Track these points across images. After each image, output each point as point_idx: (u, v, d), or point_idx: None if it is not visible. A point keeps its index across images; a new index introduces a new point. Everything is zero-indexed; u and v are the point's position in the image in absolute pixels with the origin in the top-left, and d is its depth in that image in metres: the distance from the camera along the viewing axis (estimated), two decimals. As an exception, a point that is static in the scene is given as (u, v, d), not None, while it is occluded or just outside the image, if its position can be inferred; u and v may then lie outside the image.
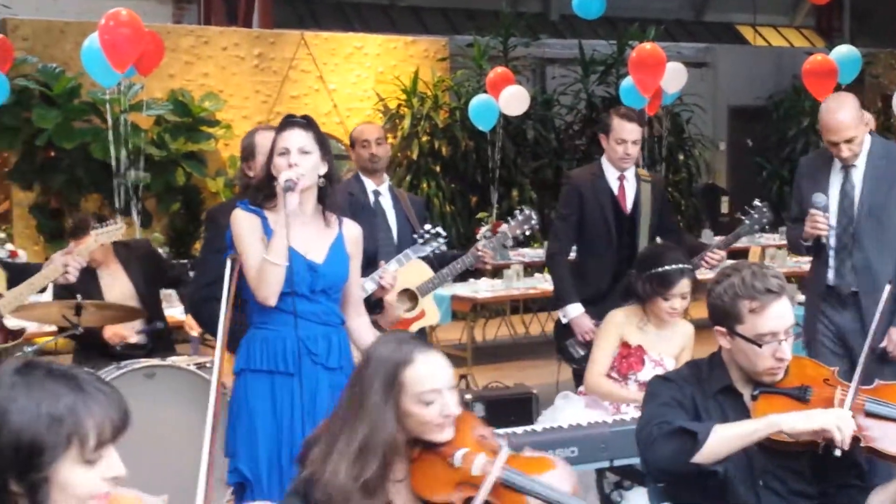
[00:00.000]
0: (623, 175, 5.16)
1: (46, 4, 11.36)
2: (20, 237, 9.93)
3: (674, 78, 9.68)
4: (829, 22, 17.48)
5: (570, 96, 13.15)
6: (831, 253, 4.68)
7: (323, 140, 3.58)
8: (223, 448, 3.69)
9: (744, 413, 2.84)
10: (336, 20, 13.96)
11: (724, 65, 15.44)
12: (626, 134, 5.02)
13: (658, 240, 5.26)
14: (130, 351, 5.37)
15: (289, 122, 3.57)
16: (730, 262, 3.59)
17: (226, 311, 2.13)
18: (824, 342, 4.69)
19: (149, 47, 7.42)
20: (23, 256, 8.37)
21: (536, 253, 9.80)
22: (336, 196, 3.68)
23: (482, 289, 8.45)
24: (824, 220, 4.56)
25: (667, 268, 4.17)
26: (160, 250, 8.36)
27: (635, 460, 3.51)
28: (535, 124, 12.64)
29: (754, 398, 2.84)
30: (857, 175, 4.65)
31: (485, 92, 10.87)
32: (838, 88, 9.70)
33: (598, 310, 4.96)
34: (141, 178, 9.09)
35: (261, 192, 3.58)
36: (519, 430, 3.89)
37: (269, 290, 3.44)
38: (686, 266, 4.22)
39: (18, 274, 4.14)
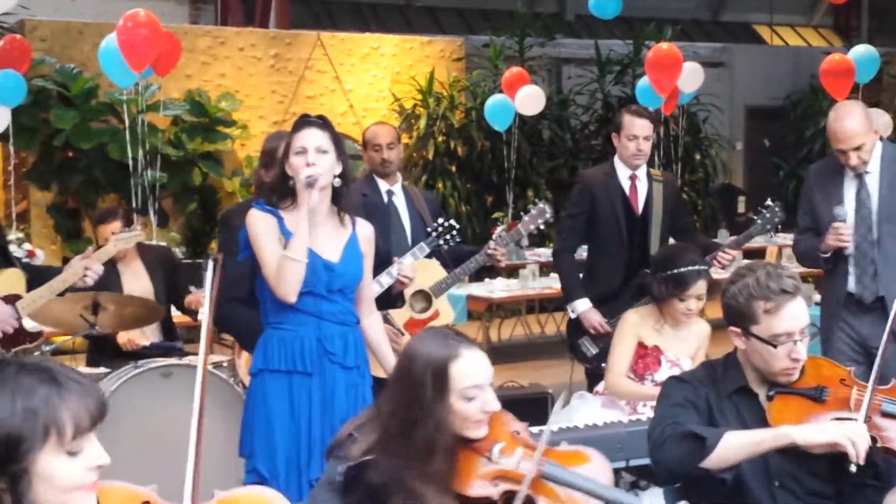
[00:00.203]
0: (635, 175, 5.17)
1: (64, 5, 11.42)
2: (38, 237, 9.98)
3: (690, 78, 9.65)
4: (847, 21, 17.40)
5: (585, 96, 13.13)
6: (851, 262, 4.63)
7: (338, 140, 3.60)
8: (238, 448, 3.71)
9: (759, 414, 2.83)
10: (352, 20, 13.98)
11: (741, 65, 15.38)
12: (638, 130, 5.05)
13: (671, 240, 5.26)
14: (147, 350, 5.41)
15: (305, 121, 3.58)
16: (746, 261, 3.58)
17: (208, 312, 2.14)
18: (843, 349, 4.65)
19: (166, 48, 7.44)
20: (40, 256, 8.41)
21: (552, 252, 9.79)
22: (351, 196, 3.69)
23: (498, 289, 8.45)
24: (849, 232, 4.52)
25: (683, 269, 4.16)
26: (176, 250, 8.42)
27: (651, 460, 3.50)
28: (551, 124, 12.63)
29: (770, 399, 2.84)
30: (873, 182, 4.61)
31: (500, 92, 10.86)
32: (856, 88, 9.65)
33: (609, 309, 5.01)
34: (158, 178, 9.12)
35: (275, 192, 3.59)
36: (534, 429, 3.88)
37: (289, 287, 3.45)
38: (702, 267, 4.21)
39: (38, 276, 4.17)
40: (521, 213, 5.00)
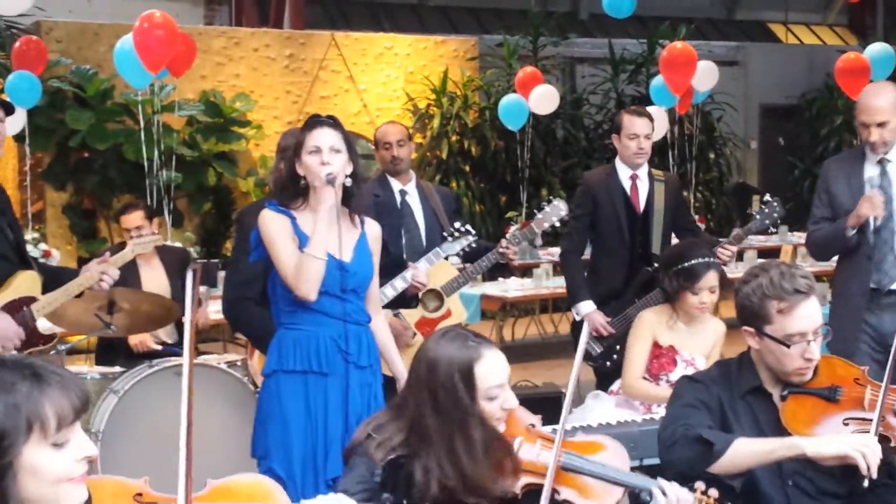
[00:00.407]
0: (636, 175, 5.22)
1: (80, 7, 11.48)
2: (53, 237, 10.03)
3: (705, 77, 9.64)
4: (863, 19, 17.33)
5: (599, 95, 13.12)
6: (870, 250, 4.60)
7: (349, 140, 3.60)
8: (251, 449, 3.71)
9: (773, 414, 2.82)
10: (366, 21, 14.00)
11: (756, 63, 15.33)
12: (638, 129, 5.12)
13: (675, 239, 5.29)
14: (157, 353, 5.44)
15: (318, 121, 3.58)
16: (760, 261, 3.57)
17: (190, 318, 2.16)
18: (865, 349, 4.62)
19: (181, 49, 7.48)
20: (56, 256, 8.45)
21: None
22: (361, 196, 3.69)
23: (511, 288, 8.45)
24: (882, 200, 4.47)
25: (693, 262, 4.17)
26: (191, 250, 8.46)
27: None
28: (565, 124, 12.62)
29: (784, 399, 2.83)
30: (894, 170, 4.59)
31: (514, 91, 10.87)
32: (871, 87, 9.62)
33: (612, 308, 5.06)
34: (173, 178, 9.16)
35: (286, 191, 3.60)
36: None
37: (309, 285, 3.45)
38: (712, 260, 4.22)
39: (53, 277, 4.18)
40: (535, 211, 4.99)
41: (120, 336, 5.23)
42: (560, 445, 2.50)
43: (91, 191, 10.08)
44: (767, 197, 5.20)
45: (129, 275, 5.46)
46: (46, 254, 8.24)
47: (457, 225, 4.73)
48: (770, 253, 9.80)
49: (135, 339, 5.47)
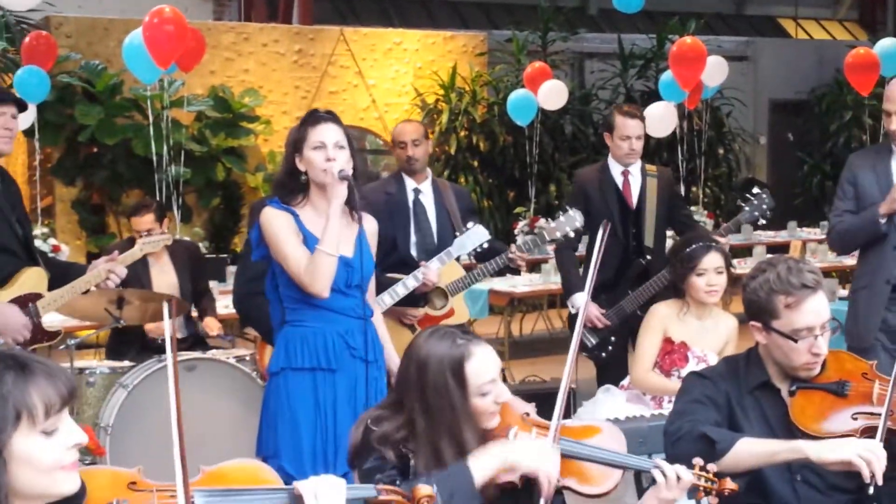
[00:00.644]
0: (627, 170, 5.29)
1: (89, 2, 11.52)
2: (63, 232, 10.06)
3: (714, 72, 9.60)
4: (873, 14, 17.28)
5: (608, 91, 13.10)
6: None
7: (349, 136, 3.60)
8: (256, 448, 3.69)
9: (781, 409, 2.82)
10: (375, 16, 14.01)
11: (765, 58, 15.30)
12: (630, 130, 5.18)
13: (670, 232, 5.38)
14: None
15: (320, 116, 3.57)
16: (768, 256, 3.57)
17: (169, 351, 2.18)
18: (878, 342, 4.60)
19: (190, 44, 7.48)
20: (65, 251, 8.47)
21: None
22: (359, 192, 3.67)
23: (519, 283, 8.45)
24: None
25: (693, 246, 4.22)
26: (200, 245, 8.47)
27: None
28: (574, 119, 12.61)
29: (792, 394, 2.83)
30: None
31: (523, 87, 10.85)
32: (882, 82, 9.58)
33: (607, 299, 5.14)
34: (181, 173, 9.17)
35: (284, 188, 3.58)
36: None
37: (323, 282, 3.44)
38: (712, 242, 4.23)
39: (61, 274, 4.20)
40: (549, 220, 4.98)
41: (133, 326, 5.25)
42: (555, 434, 2.51)
43: (100, 186, 10.11)
44: (756, 189, 5.23)
45: (139, 271, 5.50)
46: (55, 249, 8.25)
47: (469, 224, 4.73)
48: (779, 248, 9.79)
49: (151, 325, 5.49)
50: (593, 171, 5.45)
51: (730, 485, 2.52)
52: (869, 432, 2.72)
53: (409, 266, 4.71)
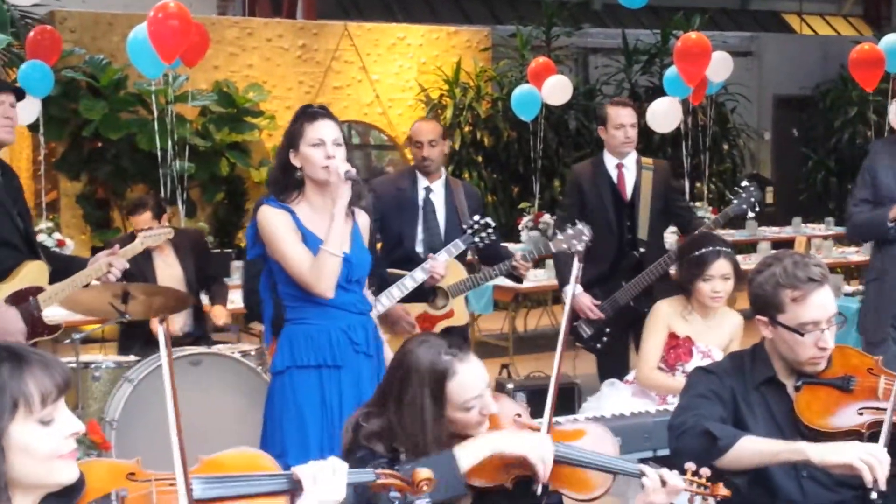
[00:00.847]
0: (622, 163, 5.33)
1: (94, -3, 11.52)
2: (67, 226, 10.08)
3: (719, 67, 9.60)
4: (878, 10, 17.24)
5: (612, 86, 13.09)
6: None
7: (343, 132, 3.60)
8: (261, 448, 3.68)
9: (787, 405, 2.82)
10: (379, 11, 14.00)
11: (770, 54, 15.28)
12: (623, 118, 5.24)
13: (673, 228, 5.37)
14: (176, 339, 5.48)
15: (316, 112, 3.54)
16: (773, 251, 3.57)
17: (167, 371, 2.19)
18: (894, 340, 4.59)
19: (194, 39, 7.48)
20: (70, 245, 8.49)
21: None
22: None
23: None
24: None
25: (703, 250, 4.19)
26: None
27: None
28: (578, 114, 12.60)
29: (797, 389, 2.83)
30: None
31: (527, 82, 10.84)
32: (886, 78, 9.57)
33: (601, 290, 5.18)
34: (186, 168, 9.18)
35: (277, 185, 3.54)
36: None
37: (328, 282, 3.43)
38: (722, 248, 4.22)
39: (62, 267, 4.20)
40: (557, 231, 4.95)
41: (138, 321, 5.26)
42: (550, 423, 2.53)
43: (104, 180, 10.13)
44: (745, 182, 5.29)
45: (144, 265, 5.51)
46: (60, 243, 8.27)
47: (476, 217, 4.74)
48: (783, 244, 9.78)
49: (156, 321, 5.50)
50: (588, 165, 5.52)
51: (722, 490, 2.51)
52: (874, 427, 2.72)
53: (413, 262, 4.72)
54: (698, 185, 12.00)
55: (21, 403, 1.85)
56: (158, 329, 2.18)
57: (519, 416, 2.65)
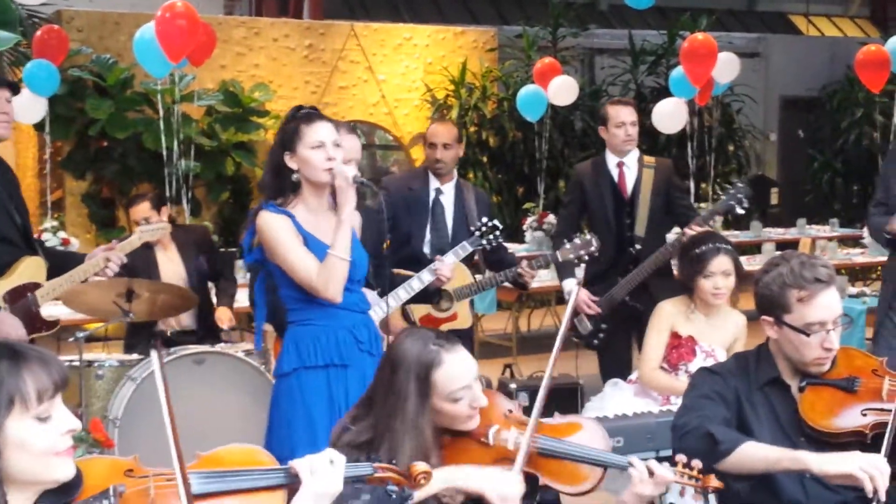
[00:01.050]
0: (622, 162, 5.38)
1: (100, -4, 11.53)
2: (73, 225, 10.09)
3: (725, 68, 9.57)
4: (885, 11, 17.21)
5: (619, 87, 13.08)
6: None
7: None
8: (267, 447, 3.67)
9: (791, 405, 2.82)
10: (385, 11, 14.00)
11: (776, 55, 15.26)
12: (624, 117, 5.31)
13: (677, 227, 5.47)
14: (181, 337, 5.48)
15: (313, 114, 3.52)
16: (778, 252, 3.56)
17: (164, 401, 2.19)
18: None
19: (201, 38, 7.48)
20: (75, 244, 8.50)
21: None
22: (359, 189, 3.64)
23: (529, 279, 8.43)
24: None
25: (703, 248, 4.21)
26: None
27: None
28: (584, 115, 12.59)
29: (801, 390, 2.83)
30: None
31: (533, 82, 10.84)
32: (893, 79, 9.54)
33: (600, 287, 5.25)
34: (191, 167, 9.19)
35: (273, 188, 3.48)
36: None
37: (338, 286, 3.42)
38: (722, 245, 4.23)
39: (59, 262, 4.20)
40: (565, 241, 4.96)
41: (142, 321, 5.27)
42: (533, 431, 2.51)
43: (110, 180, 10.13)
44: (735, 180, 5.33)
45: (147, 263, 5.50)
46: (65, 242, 8.28)
47: (483, 220, 4.75)
48: (788, 245, 9.76)
49: (163, 326, 5.53)
50: (590, 164, 5.58)
51: (714, 482, 2.51)
52: (878, 428, 2.72)
53: (420, 262, 4.75)
54: (703, 185, 11.98)
55: (17, 400, 1.86)
56: (153, 354, 2.19)
57: (510, 411, 2.65)
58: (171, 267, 5.61)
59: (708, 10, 13.61)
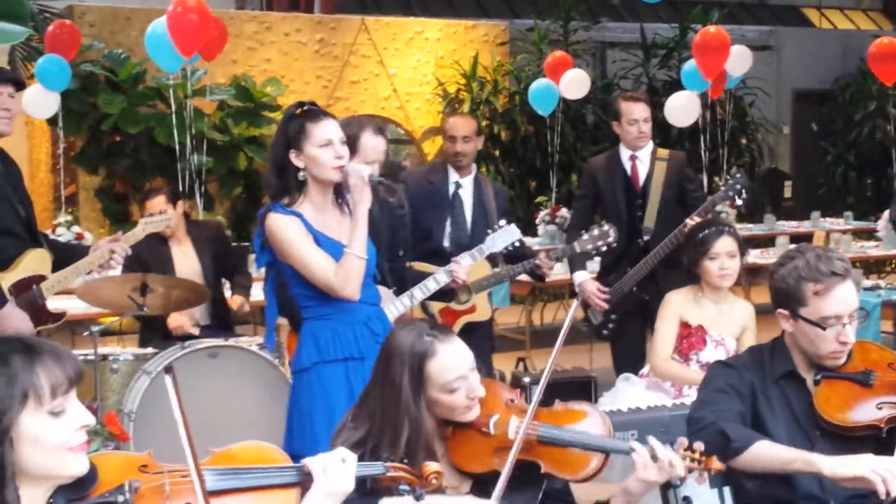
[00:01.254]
0: (636, 155, 5.44)
1: (112, -9, 11.56)
2: (86, 220, 10.12)
3: (738, 61, 9.54)
4: (898, 4, 17.13)
5: (630, 80, 13.06)
6: None
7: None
8: (287, 445, 3.66)
9: (806, 398, 2.81)
10: (397, 5, 13.99)
11: (789, 48, 15.21)
12: (637, 114, 5.36)
13: (690, 219, 5.44)
14: (195, 337, 5.49)
15: (318, 111, 3.50)
16: (792, 245, 3.56)
17: (181, 422, 2.20)
18: None
19: (213, 33, 7.50)
20: (88, 239, 8.51)
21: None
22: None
23: (541, 273, 8.42)
24: None
25: (706, 231, 4.27)
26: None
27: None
28: (595, 109, 12.57)
29: (817, 383, 2.82)
30: None
31: (544, 76, 10.82)
32: (905, 72, 9.49)
33: (611, 278, 5.35)
34: (204, 162, 9.20)
35: (278, 188, 3.46)
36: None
37: (355, 284, 3.41)
38: (724, 226, 4.28)
39: (64, 254, 4.20)
40: (583, 232, 4.96)
41: (157, 315, 5.29)
42: (531, 419, 2.50)
43: (123, 174, 10.17)
44: (733, 170, 5.36)
45: (162, 258, 5.52)
46: (79, 237, 8.30)
47: (502, 222, 4.75)
48: (802, 238, 9.73)
49: (174, 323, 5.52)
50: (603, 158, 5.66)
51: (716, 464, 2.49)
52: (893, 422, 2.71)
53: (440, 256, 4.76)
54: (716, 179, 11.95)
55: (31, 395, 1.86)
56: (166, 378, 2.19)
57: (512, 401, 2.64)
58: (186, 262, 5.64)
59: (720, 3, 13.58)
